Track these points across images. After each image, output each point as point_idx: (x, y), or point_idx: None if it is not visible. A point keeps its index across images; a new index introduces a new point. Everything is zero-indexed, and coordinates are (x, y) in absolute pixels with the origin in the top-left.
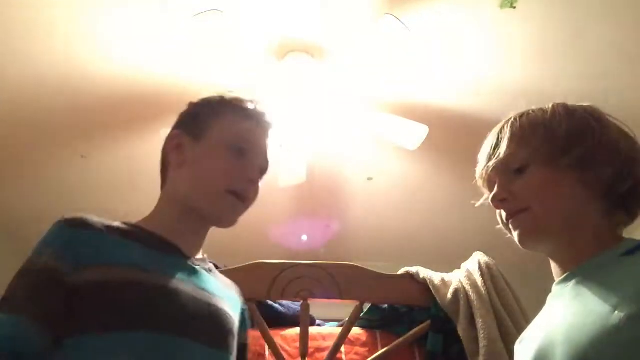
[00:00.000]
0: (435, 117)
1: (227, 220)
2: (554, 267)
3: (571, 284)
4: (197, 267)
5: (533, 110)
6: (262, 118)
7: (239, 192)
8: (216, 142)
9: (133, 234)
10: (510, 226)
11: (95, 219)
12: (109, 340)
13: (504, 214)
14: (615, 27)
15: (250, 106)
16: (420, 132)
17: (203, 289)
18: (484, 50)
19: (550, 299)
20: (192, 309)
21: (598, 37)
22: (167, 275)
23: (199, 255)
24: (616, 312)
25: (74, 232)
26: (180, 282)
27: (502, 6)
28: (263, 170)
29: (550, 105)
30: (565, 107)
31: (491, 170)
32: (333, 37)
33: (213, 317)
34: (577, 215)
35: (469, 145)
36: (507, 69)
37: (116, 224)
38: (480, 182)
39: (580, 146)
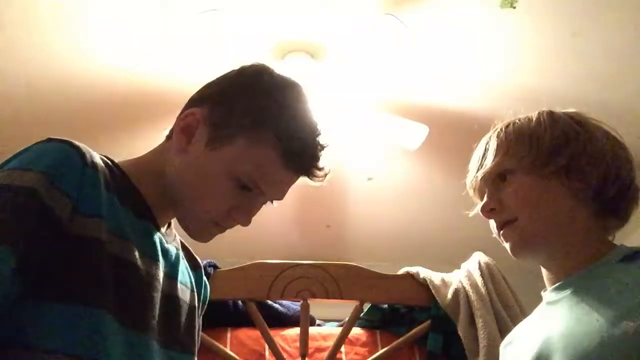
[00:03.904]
0: (435, 117)
1: (198, 240)
2: (546, 273)
3: (568, 291)
4: (167, 245)
5: (519, 119)
6: (313, 171)
7: (224, 226)
8: (230, 164)
9: (116, 184)
10: (502, 238)
11: (96, 157)
12: (67, 312)
13: (494, 224)
14: (615, 26)
15: (310, 158)
16: (420, 132)
17: (171, 277)
18: (484, 50)
19: (545, 305)
20: (161, 303)
21: (598, 37)
22: (145, 255)
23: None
24: (624, 320)
25: (85, 170)
26: (154, 266)
27: (502, 6)
28: (272, 200)
29: (536, 113)
30: (550, 114)
31: (480, 180)
32: (333, 37)
33: (173, 316)
34: (566, 222)
35: (469, 145)
36: (508, 69)
37: (100, 164)
38: (470, 192)
39: (565, 153)
